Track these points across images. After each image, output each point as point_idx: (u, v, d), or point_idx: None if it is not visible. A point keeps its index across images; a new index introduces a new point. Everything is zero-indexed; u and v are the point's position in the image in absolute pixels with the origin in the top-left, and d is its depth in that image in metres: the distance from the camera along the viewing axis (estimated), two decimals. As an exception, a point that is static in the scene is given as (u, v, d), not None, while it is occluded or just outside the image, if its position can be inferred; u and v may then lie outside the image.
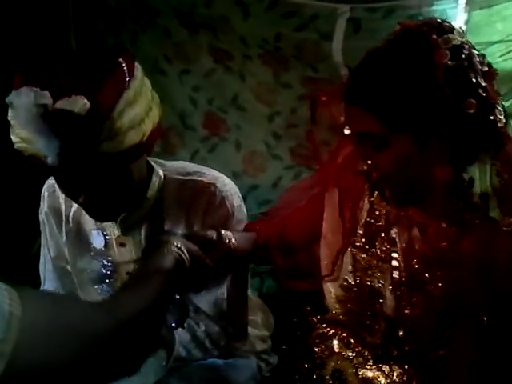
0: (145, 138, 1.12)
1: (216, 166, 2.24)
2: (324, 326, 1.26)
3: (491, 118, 1.02)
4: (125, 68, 1.09)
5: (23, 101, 1.01)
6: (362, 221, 1.21)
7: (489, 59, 1.98)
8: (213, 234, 1.23)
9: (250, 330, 1.52)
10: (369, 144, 1.06)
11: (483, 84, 1.01)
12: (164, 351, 1.22)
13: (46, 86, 1.02)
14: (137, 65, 1.14)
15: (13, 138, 1.11)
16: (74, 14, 2.47)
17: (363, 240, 1.20)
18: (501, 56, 1.89)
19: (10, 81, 1.09)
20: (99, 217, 1.29)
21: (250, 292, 1.60)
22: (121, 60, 1.10)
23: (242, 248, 1.28)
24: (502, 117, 1.03)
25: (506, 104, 1.92)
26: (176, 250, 1.12)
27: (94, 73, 1.07)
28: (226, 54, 2.27)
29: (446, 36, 1.00)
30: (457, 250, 1.08)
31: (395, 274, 1.16)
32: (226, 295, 1.39)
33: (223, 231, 1.25)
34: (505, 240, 1.03)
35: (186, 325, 1.41)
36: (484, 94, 1.01)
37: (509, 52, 1.88)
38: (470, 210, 1.07)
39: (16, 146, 1.11)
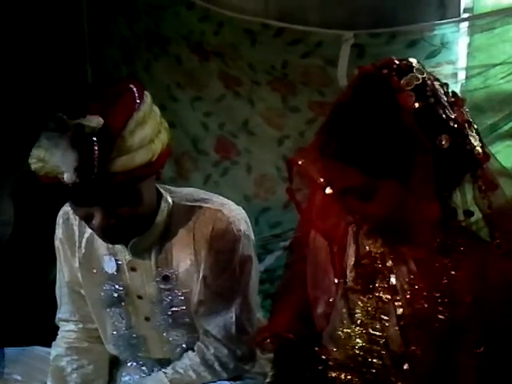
0: (154, 157, 1.19)
1: (228, 190, 2.33)
2: (329, 365, 1.22)
3: (467, 147, 1.01)
4: (135, 92, 1.19)
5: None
6: (351, 264, 1.17)
7: (490, 81, 2.02)
8: None
9: (259, 352, 1.54)
10: (354, 197, 1.02)
11: (452, 116, 1.00)
12: None
13: (63, 111, 1.12)
14: (146, 92, 1.23)
15: (30, 160, 1.18)
16: (89, 44, 2.56)
17: (359, 282, 1.16)
18: (502, 78, 1.90)
19: (28, 110, 1.16)
20: (112, 239, 1.33)
21: (261, 314, 1.63)
22: (131, 86, 1.20)
23: None
24: (477, 142, 1.02)
25: (509, 125, 1.95)
26: None
27: (107, 96, 1.17)
28: (235, 80, 2.30)
29: (407, 77, 0.98)
30: (453, 279, 1.06)
31: (400, 320, 1.12)
32: (234, 319, 1.42)
33: None
34: (497, 263, 1.03)
35: (195, 347, 1.44)
36: (455, 126, 0.99)
37: (510, 74, 1.89)
38: (461, 234, 1.07)
39: (32, 167, 1.18)
